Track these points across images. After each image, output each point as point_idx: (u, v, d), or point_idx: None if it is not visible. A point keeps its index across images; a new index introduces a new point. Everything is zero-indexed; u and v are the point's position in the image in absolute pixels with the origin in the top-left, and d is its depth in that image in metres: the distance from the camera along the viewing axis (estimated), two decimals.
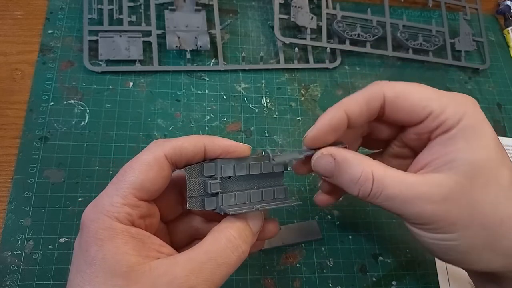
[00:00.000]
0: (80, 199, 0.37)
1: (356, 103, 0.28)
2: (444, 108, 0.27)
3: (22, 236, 0.35)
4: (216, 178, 0.28)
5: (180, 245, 0.31)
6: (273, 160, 0.28)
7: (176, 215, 0.31)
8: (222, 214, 0.27)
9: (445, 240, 0.26)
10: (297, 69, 0.48)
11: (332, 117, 0.28)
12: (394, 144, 0.32)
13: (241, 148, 0.28)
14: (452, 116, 0.26)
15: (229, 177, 0.28)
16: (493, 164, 0.26)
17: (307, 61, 0.49)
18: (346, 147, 0.29)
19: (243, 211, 0.27)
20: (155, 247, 0.25)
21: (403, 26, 0.52)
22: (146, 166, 0.26)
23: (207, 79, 0.46)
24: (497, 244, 0.26)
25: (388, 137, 0.32)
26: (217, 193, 0.28)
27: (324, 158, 0.29)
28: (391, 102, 0.28)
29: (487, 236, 0.25)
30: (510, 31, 0.56)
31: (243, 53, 0.47)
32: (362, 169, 0.27)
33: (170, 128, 0.42)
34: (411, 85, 0.28)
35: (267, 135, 0.44)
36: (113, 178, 0.26)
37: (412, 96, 0.28)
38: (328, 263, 0.39)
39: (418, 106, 0.27)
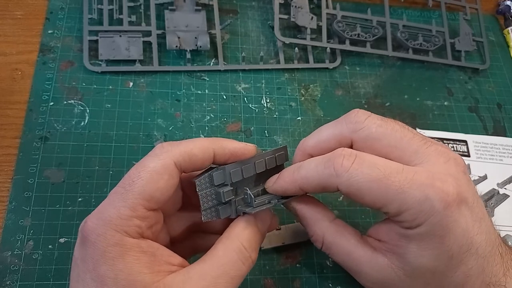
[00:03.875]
0: (80, 199, 0.37)
1: (310, 186, 0.28)
2: (401, 212, 0.25)
3: (22, 236, 0.35)
4: (227, 185, 0.28)
5: (179, 239, 0.30)
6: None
7: (175, 210, 0.30)
8: (242, 214, 0.28)
9: None
10: (297, 69, 0.48)
11: (288, 189, 0.29)
12: None
13: (249, 150, 0.28)
14: (410, 221, 0.25)
15: (231, 183, 0.28)
16: (441, 271, 0.26)
17: (307, 61, 0.49)
18: None
19: (263, 207, 0.27)
20: (165, 259, 0.24)
21: (403, 26, 0.52)
22: (156, 174, 0.24)
23: (207, 79, 0.46)
24: None
25: None
26: (230, 200, 0.28)
27: (289, 206, 0.31)
28: (344, 194, 0.27)
29: None
30: (510, 31, 0.56)
31: (243, 53, 0.47)
32: (314, 232, 0.30)
33: (170, 128, 0.42)
34: (371, 180, 0.25)
35: (267, 135, 0.44)
36: (117, 187, 0.24)
37: (367, 197, 0.26)
38: (328, 263, 0.39)
39: (372, 205, 0.26)
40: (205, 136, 0.42)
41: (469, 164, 0.46)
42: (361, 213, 0.41)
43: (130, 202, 0.23)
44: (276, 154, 0.30)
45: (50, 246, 0.35)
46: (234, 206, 0.28)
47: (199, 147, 0.26)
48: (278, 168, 0.30)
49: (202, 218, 0.27)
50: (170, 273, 0.24)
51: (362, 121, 0.28)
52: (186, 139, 0.41)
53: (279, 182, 0.29)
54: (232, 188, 0.28)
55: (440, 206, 0.24)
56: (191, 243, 0.31)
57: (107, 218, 0.23)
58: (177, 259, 0.25)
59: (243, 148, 0.28)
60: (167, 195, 0.25)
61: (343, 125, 0.29)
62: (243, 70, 0.47)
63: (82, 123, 0.41)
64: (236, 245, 0.25)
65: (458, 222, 0.24)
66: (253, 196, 0.27)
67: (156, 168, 0.24)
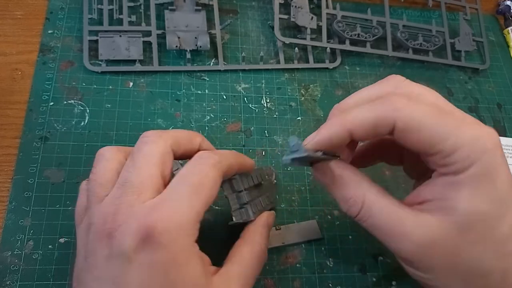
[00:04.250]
0: None
1: (362, 126, 0.26)
2: (456, 149, 0.24)
3: (22, 236, 0.35)
4: (242, 191, 0.31)
5: None
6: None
7: None
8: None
9: (422, 277, 0.26)
10: (297, 69, 0.48)
11: (334, 134, 0.27)
12: (409, 152, 0.30)
13: (250, 163, 0.33)
14: (462, 160, 0.24)
15: (244, 190, 0.32)
16: (494, 217, 0.24)
17: (307, 61, 0.49)
18: (339, 157, 0.29)
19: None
20: (207, 261, 0.27)
21: (403, 26, 0.52)
22: (215, 184, 0.26)
23: (207, 79, 0.46)
24: None
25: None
26: (246, 203, 0.32)
27: (323, 169, 0.29)
28: (400, 132, 0.25)
29: (465, 285, 0.25)
30: (510, 31, 0.56)
31: (243, 53, 0.47)
32: (354, 193, 0.27)
33: (170, 128, 0.42)
34: (427, 114, 0.25)
35: (267, 135, 0.44)
36: (186, 187, 0.25)
37: (424, 132, 0.24)
38: (328, 263, 0.39)
39: (427, 143, 0.25)
40: (205, 136, 0.42)
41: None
42: None
43: (197, 208, 0.25)
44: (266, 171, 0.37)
45: (50, 246, 0.35)
46: (255, 206, 0.32)
47: (234, 161, 0.30)
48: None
49: (234, 219, 0.30)
50: (213, 274, 0.26)
51: (402, 81, 0.28)
52: None
53: (325, 127, 0.27)
54: (247, 192, 0.32)
55: (491, 146, 0.24)
56: None
57: (179, 221, 0.24)
58: (206, 258, 0.27)
59: (253, 163, 0.33)
60: (214, 198, 0.27)
61: (383, 83, 0.28)
62: (243, 70, 0.47)
63: (82, 123, 0.41)
64: (260, 246, 0.30)
65: (504, 164, 0.24)
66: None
67: (215, 178, 0.27)
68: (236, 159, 0.30)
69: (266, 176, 0.39)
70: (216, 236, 0.35)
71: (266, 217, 0.33)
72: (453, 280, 0.25)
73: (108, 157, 0.28)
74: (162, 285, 0.23)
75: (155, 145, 0.27)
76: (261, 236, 0.31)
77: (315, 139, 0.27)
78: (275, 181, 0.41)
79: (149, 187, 0.25)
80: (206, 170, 0.26)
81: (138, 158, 0.26)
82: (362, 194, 0.27)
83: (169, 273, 0.23)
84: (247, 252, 0.29)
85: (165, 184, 0.26)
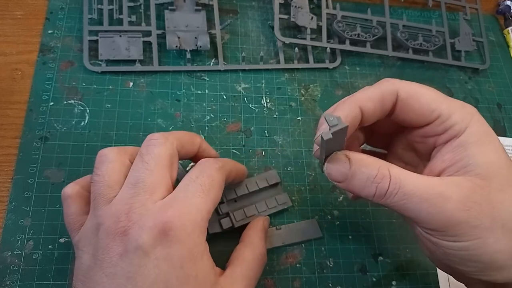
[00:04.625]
0: None
1: (371, 100, 0.28)
2: (451, 113, 0.27)
3: (22, 236, 0.35)
4: (223, 202, 0.37)
5: None
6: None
7: None
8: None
9: (469, 250, 0.25)
10: (297, 69, 0.48)
11: (348, 113, 0.27)
12: (399, 146, 0.32)
13: (244, 170, 0.37)
14: (459, 121, 0.26)
15: (234, 199, 0.37)
16: (505, 167, 0.26)
17: (307, 61, 0.49)
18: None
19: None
20: (210, 257, 0.27)
21: (403, 26, 0.52)
22: (220, 185, 0.29)
23: (207, 79, 0.46)
24: None
25: (390, 132, 0.32)
26: (228, 213, 0.37)
27: (338, 158, 0.27)
28: (402, 101, 0.28)
29: (509, 241, 0.25)
30: (510, 31, 0.56)
31: (243, 53, 0.47)
32: (379, 166, 0.26)
33: (170, 128, 0.42)
34: (422, 87, 0.28)
35: (267, 135, 0.44)
36: (197, 185, 0.27)
37: (423, 98, 0.28)
38: (328, 263, 0.39)
39: (428, 108, 0.27)
40: (205, 136, 0.42)
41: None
42: (360, 213, 0.41)
43: (208, 206, 0.27)
44: (267, 176, 0.40)
45: (50, 246, 0.35)
46: (240, 214, 0.37)
47: (234, 169, 0.33)
48: (273, 186, 0.40)
49: (208, 230, 0.31)
50: (220, 274, 0.28)
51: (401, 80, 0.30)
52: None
53: (339, 107, 0.28)
54: (227, 204, 0.37)
55: (474, 110, 0.27)
56: None
57: (194, 218, 0.25)
58: (210, 256, 0.28)
59: (246, 171, 0.38)
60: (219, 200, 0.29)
61: (385, 82, 0.29)
62: (243, 70, 0.47)
63: (82, 123, 0.41)
64: (259, 250, 0.32)
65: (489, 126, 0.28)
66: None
67: (220, 181, 0.29)
68: (234, 166, 0.34)
69: (270, 181, 0.40)
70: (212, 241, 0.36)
71: (262, 221, 0.36)
72: (497, 240, 0.25)
73: (112, 158, 0.29)
74: (178, 278, 0.24)
75: (164, 147, 0.28)
76: (260, 240, 0.34)
77: (335, 110, 0.29)
78: (279, 181, 0.41)
79: (160, 187, 0.27)
80: (213, 173, 0.28)
81: (149, 159, 0.28)
82: (386, 167, 0.26)
83: (185, 267, 0.24)
84: (248, 255, 0.31)
85: (173, 184, 0.28)
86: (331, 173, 0.27)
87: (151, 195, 0.26)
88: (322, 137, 0.24)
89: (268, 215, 0.38)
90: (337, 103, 0.29)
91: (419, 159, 0.31)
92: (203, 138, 0.35)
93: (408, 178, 0.26)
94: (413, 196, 0.25)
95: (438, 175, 0.27)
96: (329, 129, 0.24)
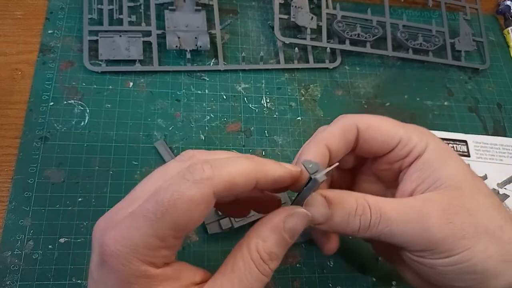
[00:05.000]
0: (80, 199, 0.37)
1: (334, 137, 0.28)
2: (410, 136, 0.28)
3: (22, 236, 0.35)
4: None
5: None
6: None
7: None
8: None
9: (462, 262, 0.25)
10: (297, 69, 0.48)
11: (316, 154, 0.27)
12: (363, 180, 0.32)
13: (294, 176, 0.25)
14: (419, 142, 0.28)
15: None
16: (470, 176, 0.27)
17: (307, 61, 0.49)
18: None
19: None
20: (190, 279, 0.23)
21: (403, 26, 0.52)
22: (193, 205, 0.21)
23: (207, 79, 0.46)
24: (506, 252, 0.25)
25: (352, 167, 0.32)
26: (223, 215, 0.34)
27: (316, 199, 0.25)
28: (363, 132, 0.29)
29: (496, 246, 0.25)
30: (510, 31, 0.56)
31: (243, 53, 0.47)
32: (356, 199, 0.26)
33: (170, 128, 0.42)
34: (378, 117, 0.30)
35: (267, 135, 0.44)
36: (145, 209, 0.21)
37: (382, 126, 0.29)
38: (328, 263, 0.39)
39: (389, 134, 0.28)
40: (205, 137, 0.42)
41: (469, 164, 0.46)
42: None
43: (161, 232, 0.21)
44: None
45: (50, 246, 0.35)
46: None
47: (243, 175, 0.22)
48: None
49: (208, 231, 0.31)
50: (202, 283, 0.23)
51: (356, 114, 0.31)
52: (187, 139, 0.42)
53: (306, 148, 0.28)
54: None
55: (428, 131, 0.29)
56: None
57: (132, 245, 0.20)
58: (200, 273, 0.24)
59: (287, 176, 0.25)
60: (199, 223, 0.22)
61: (343, 118, 0.30)
62: (243, 70, 0.47)
63: (82, 123, 0.41)
64: (255, 256, 0.23)
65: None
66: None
67: (194, 199, 0.21)
68: (248, 173, 0.23)
69: None
70: None
71: (282, 217, 0.26)
72: (485, 246, 0.25)
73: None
74: None
75: (181, 164, 0.23)
76: (265, 244, 0.27)
77: (296, 161, 0.28)
78: None
79: (142, 199, 0.22)
80: (183, 188, 0.21)
81: (156, 171, 0.24)
82: (363, 199, 0.26)
83: None
84: (241, 260, 0.24)
85: None
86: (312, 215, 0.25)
87: (129, 205, 0.22)
88: (317, 179, 0.22)
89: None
90: (302, 147, 0.29)
91: (385, 188, 0.32)
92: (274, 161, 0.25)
93: (386, 204, 0.26)
94: (396, 220, 0.25)
95: (410, 195, 0.28)
96: (310, 176, 0.23)
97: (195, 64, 0.46)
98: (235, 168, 0.22)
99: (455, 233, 0.25)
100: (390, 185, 0.31)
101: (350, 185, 0.33)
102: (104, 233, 0.21)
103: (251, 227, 0.25)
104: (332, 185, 0.33)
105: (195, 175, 0.21)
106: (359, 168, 0.33)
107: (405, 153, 0.28)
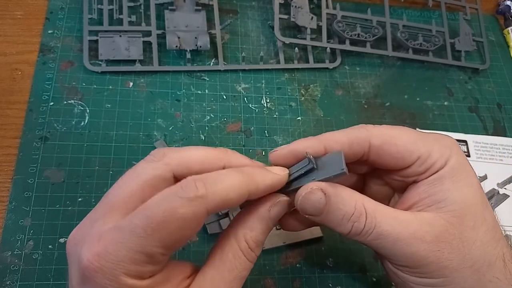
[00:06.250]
0: (80, 199, 0.37)
1: (337, 143, 0.26)
2: (430, 151, 0.26)
3: (22, 236, 0.35)
4: None
5: None
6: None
7: None
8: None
9: (434, 286, 0.25)
10: (297, 69, 0.48)
11: (310, 146, 0.26)
12: (373, 181, 0.31)
13: (281, 181, 0.26)
14: (439, 158, 0.26)
15: None
16: (479, 203, 0.26)
17: (307, 61, 0.49)
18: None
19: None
20: (180, 276, 0.23)
21: (403, 26, 0.52)
22: (184, 224, 0.21)
23: (207, 79, 0.46)
24: None
25: (363, 173, 0.31)
26: (227, 213, 0.34)
27: (314, 193, 0.25)
28: (377, 147, 0.27)
29: (476, 281, 0.25)
30: (510, 31, 0.56)
31: (243, 53, 0.47)
32: (355, 204, 0.25)
33: (170, 128, 0.42)
34: (396, 129, 0.27)
35: (267, 135, 0.44)
36: (134, 224, 0.20)
37: (399, 141, 0.27)
38: (328, 263, 0.39)
39: (406, 150, 0.26)
40: (205, 137, 0.42)
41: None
42: None
43: (149, 249, 0.20)
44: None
45: (50, 246, 0.35)
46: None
47: (235, 190, 0.22)
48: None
49: (208, 231, 0.31)
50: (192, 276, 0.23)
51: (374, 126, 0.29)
52: (187, 138, 0.42)
53: (301, 140, 0.27)
54: None
55: (451, 143, 0.27)
56: None
57: (118, 261, 0.20)
58: (188, 267, 0.24)
59: (277, 183, 0.25)
60: (188, 239, 0.23)
61: (359, 128, 0.28)
62: (243, 70, 0.47)
63: (82, 123, 0.41)
64: (244, 246, 0.24)
65: (466, 159, 0.27)
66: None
67: (186, 217, 0.20)
68: (240, 188, 0.23)
69: None
70: None
71: (267, 205, 0.27)
72: (463, 279, 0.25)
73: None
74: None
75: (151, 165, 0.23)
76: (252, 233, 0.26)
77: (290, 146, 0.27)
78: None
79: (118, 209, 0.22)
80: (176, 205, 0.20)
81: (126, 176, 0.23)
82: (362, 204, 0.25)
83: None
84: (230, 251, 0.25)
85: None
86: (305, 208, 0.25)
87: (104, 215, 0.21)
88: (341, 172, 0.24)
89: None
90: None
91: (392, 191, 0.31)
92: (237, 153, 0.26)
93: (383, 216, 0.25)
94: (387, 236, 0.25)
95: (410, 207, 0.27)
96: (313, 165, 0.24)
97: (195, 64, 0.46)
98: (227, 184, 0.22)
99: (440, 261, 0.25)
100: (399, 191, 0.30)
101: (357, 181, 0.32)
102: (82, 247, 0.20)
103: (235, 217, 0.25)
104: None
105: (188, 193, 0.21)
106: (371, 174, 0.31)
107: (423, 170, 0.26)
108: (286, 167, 0.26)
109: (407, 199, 0.27)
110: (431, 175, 0.26)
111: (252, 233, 0.24)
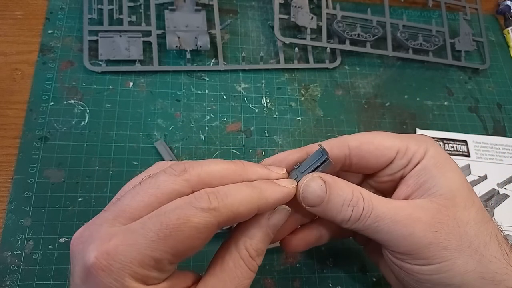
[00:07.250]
0: (80, 199, 0.37)
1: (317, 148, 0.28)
2: (407, 144, 0.28)
3: (22, 236, 0.35)
4: None
5: None
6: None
7: None
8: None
9: (440, 273, 0.25)
10: (297, 69, 0.48)
11: (297, 155, 0.28)
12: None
13: (291, 195, 0.26)
14: (417, 149, 0.28)
15: None
16: (466, 187, 0.27)
17: (307, 61, 0.49)
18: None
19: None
20: (182, 285, 0.23)
21: (403, 26, 0.52)
22: (196, 233, 0.21)
23: (207, 79, 0.46)
24: (485, 270, 0.25)
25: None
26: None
27: (314, 181, 0.26)
28: (356, 150, 0.28)
29: (477, 262, 0.25)
30: (510, 31, 0.56)
31: (243, 53, 0.47)
32: (352, 190, 0.27)
33: (170, 128, 0.42)
34: (370, 132, 0.30)
35: (267, 135, 0.44)
36: (144, 225, 0.21)
37: (375, 140, 0.29)
38: (328, 263, 0.39)
39: (384, 148, 0.28)
40: (205, 137, 0.42)
41: (469, 164, 0.46)
42: None
43: (159, 254, 0.20)
44: None
45: (50, 246, 0.35)
46: None
47: (245, 205, 0.23)
48: None
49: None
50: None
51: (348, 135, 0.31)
52: (187, 139, 0.42)
53: (287, 151, 0.29)
54: None
55: (427, 138, 0.29)
56: None
57: (126, 261, 0.20)
58: (189, 276, 0.24)
59: (286, 197, 0.26)
60: (197, 251, 0.22)
61: (337, 138, 0.30)
62: (243, 70, 0.47)
63: (82, 123, 0.41)
64: (244, 254, 0.24)
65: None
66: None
67: (199, 227, 0.21)
68: (251, 202, 0.23)
69: None
70: None
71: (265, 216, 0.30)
72: (465, 260, 0.25)
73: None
74: None
75: (173, 179, 0.23)
76: (253, 240, 0.26)
77: (277, 156, 0.28)
78: None
79: (132, 214, 0.22)
80: (190, 214, 0.21)
81: (142, 185, 0.23)
82: (358, 191, 0.27)
83: None
84: (230, 260, 0.25)
85: None
86: (307, 196, 0.26)
87: (115, 218, 0.22)
88: (325, 159, 0.26)
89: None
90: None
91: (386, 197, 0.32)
92: (254, 164, 0.26)
93: (379, 201, 0.26)
94: (385, 218, 0.26)
95: (405, 200, 0.28)
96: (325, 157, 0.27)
97: (195, 64, 0.46)
98: (239, 198, 0.23)
99: (439, 242, 0.25)
100: (390, 196, 0.30)
101: None
102: (90, 245, 0.21)
103: (236, 226, 0.26)
104: None
105: (202, 204, 0.21)
106: (361, 181, 0.32)
107: (406, 161, 0.28)
108: (297, 163, 0.28)
109: (398, 194, 0.29)
110: (415, 166, 0.28)
111: (251, 241, 0.25)
